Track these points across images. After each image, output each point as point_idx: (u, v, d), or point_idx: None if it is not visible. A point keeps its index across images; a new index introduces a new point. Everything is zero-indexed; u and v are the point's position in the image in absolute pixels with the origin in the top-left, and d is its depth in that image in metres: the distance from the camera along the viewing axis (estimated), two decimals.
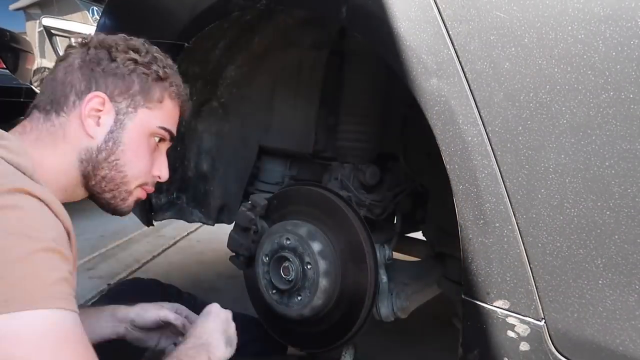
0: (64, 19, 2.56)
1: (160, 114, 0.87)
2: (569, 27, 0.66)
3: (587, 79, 0.65)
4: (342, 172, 1.32)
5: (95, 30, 1.49)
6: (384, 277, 1.22)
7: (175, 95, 0.90)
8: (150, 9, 1.32)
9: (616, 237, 0.65)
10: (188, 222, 1.62)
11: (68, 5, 2.67)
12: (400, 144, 1.37)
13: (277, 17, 1.22)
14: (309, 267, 1.10)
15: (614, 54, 0.63)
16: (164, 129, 0.88)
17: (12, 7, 2.32)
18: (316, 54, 1.37)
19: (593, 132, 0.65)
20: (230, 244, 1.31)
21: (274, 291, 1.17)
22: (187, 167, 1.54)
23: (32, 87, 2.31)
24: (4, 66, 2.18)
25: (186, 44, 1.20)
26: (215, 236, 2.85)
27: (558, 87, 0.67)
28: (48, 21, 2.45)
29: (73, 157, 0.81)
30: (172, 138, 0.91)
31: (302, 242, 1.11)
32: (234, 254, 1.32)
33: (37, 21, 2.42)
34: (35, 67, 2.37)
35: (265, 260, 1.18)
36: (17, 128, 0.81)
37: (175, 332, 1.02)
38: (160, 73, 0.87)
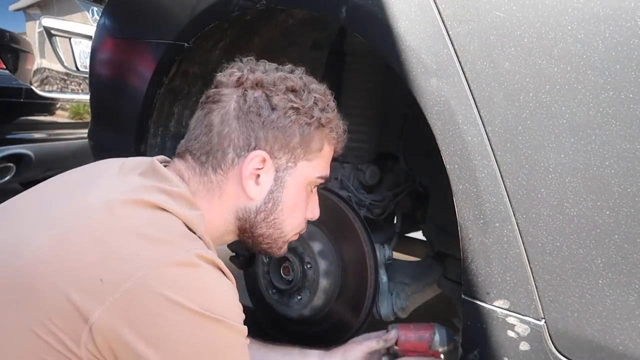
0: (64, 19, 2.56)
1: (318, 163, 0.82)
2: (569, 27, 0.66)
3: (587, 78, 0.65)
4: (342, 172, 1.32)
5: (95, 31, 1.49)
6: (384, 277, 1.21)
7: (335, 140, 0.84)
8: (150, 9, 1.32)
9: (616, 236, 0.65)
10: None
11: (68, 5, 2.67)
12: (400, 143, 1.37)
13: (277, 17, 1.22)
14: (309, 267, 1.10)
15: (614, 53, 0.63)
16: (322, 177, 0.83)
17: (12, 7, 2.30)
18: (316, 54, 1.37)
19: (593, 132, 0.65)
20: (230, 244, 1.31)
21: (274, 291, 1.17)
22: None
23: (32, 87, 2.31)
24: (4, 66, 2.17)
25: (186, 44, 1.20)
26: None
27: (558, 87, 0.67)
28: (48, 21, 2.45)
29: (230, 215, 0.78)
30: (326, 179, 0.87)
31: (302, 242, 1.11)
32: (234, 254, 1.32)
33: (37, 21, 2.40)
34: (35, 67, 2.36)
35: (265, 260, 1.18)
36: (171, 169, 0.75)
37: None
38: (323, 120, 0.79)
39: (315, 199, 0.87)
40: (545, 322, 0.73)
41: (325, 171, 0.84)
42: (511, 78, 0.70)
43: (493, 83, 0.71)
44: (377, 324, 1.27)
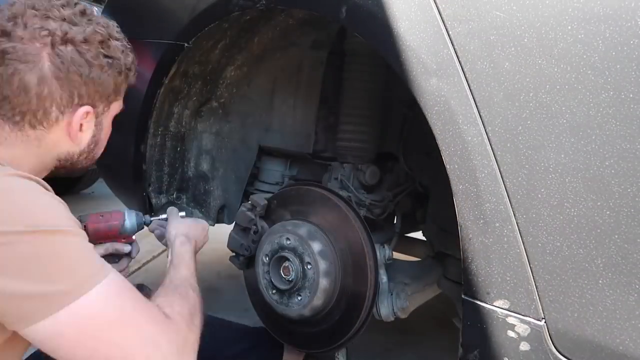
0: None
1: (121, 100, 0.90)
2: (569, 27, 0.66)
3: (587, 78, 0.65)
4: (342, 172, 1.32)
5: None
6: (384, 277, 1.21)
7: (133, 78, 0.90)
8: (150, 9, 1.32)
9: (616, 237, 0.65)
10: None
11: None
12: (400, 143, 1.37)
13: (277, 17, 1.22)
14: (309, 267, 1.10)
15: (614, 53, 0.63)
16: (122, 109, 0.91)
17: None
18: (316, 54, 1.37)
19: (593, 132, 0.65)
20: (230, 244, 1.31)
21: (274, 291, 1.17)
22: (186, 167, 1.54)
23: None
24: None
25: (186, 44, 1.20)
26: (215, 236, 2.84)
27: (558, 87, 0.67)
28: None
29: (49, 158, 0.82)
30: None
31: (302, 242, 1.11)
32: (234, 254, 1.32)
33: None
34: None
35: (265, 260, 1.18)
36: None
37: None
38: (129, 66, 0.86)
39: None
40: (545, 322, 0.73)
41: (121, 103, 0.91)
42: (511, 78, 0.70)
43: (493, 83, 0.71)
44: (377, 324, 1.27)
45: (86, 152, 0.85)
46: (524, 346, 0.74)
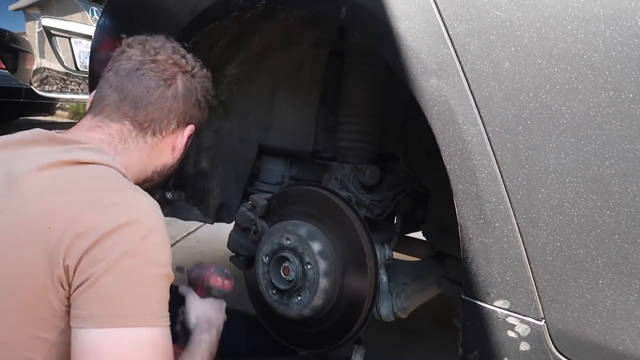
0: (63, 19, 2.56)
1: None
2: (569, 27, 0.66)
3: (587, 78, 0.65)
4: (342, 172, 1.31)
5: (95, 31, 1.49)
6: (384, 277, 1.21)
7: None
8: (150, 9, 1.32)
9: (616, 237, 0.65)
10: (184, 220, 1.63)
11: (68, 5, 2.67)
12: (400, 144, 1.37)
13: (278, 16, 1.22)
14: (309, 267, 1.10)
15: (614, 54, 0.63)
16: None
17: (11, 7, 2.30)
18: (316, 53, 1.37)
19: (593, 132, 0.65)
20: (230, 244, 1.31)
21: (274, 291, 1.17)
22: (185, 164, 1.54)
23: (32, 87, 2.31)
24: (4, 66, 2.17)
25: (186, 44, 1.20)
26: (215, 236, 2.85)
27: (558, 87, 0.67)
28: (48, 21, 2.45)
29: (150, 169, 0.93)
30: None
31: (302, 242, 1.11)
32: (234, 254, 1.32)
33: (37, 21, 2.40)
34: (35, 67, 2.36)
35: (265, 261, 1.17)
36: (100, 131, 0.84)
37: None
38: (210, 101, 1.01)
39: None
40: (545, 322, 0.73)
41: None
42: (511, 78, 0.70)
43: (493, 83, 0.71)
44: (377, 324, 1.27)
45: (173, 166, 0.98)
46: (524, 346, 0.74)
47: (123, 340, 0.66)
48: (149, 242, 0.70)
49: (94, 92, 0.92)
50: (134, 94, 0.87)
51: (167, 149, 0.94)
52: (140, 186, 0.89)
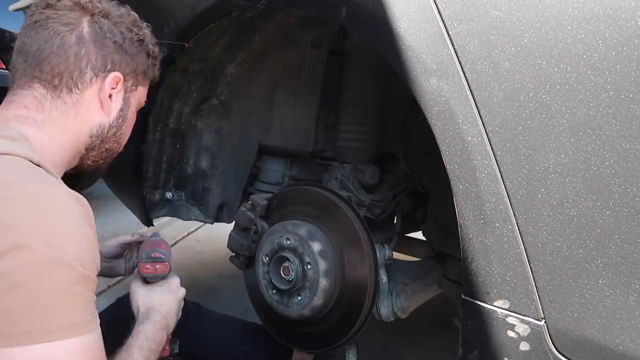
0: None
1: (146, 89, 0.95)
2: (569, 27, 0.66)
3: (587, 78, 0.65)
4: (342, 172, 1.31)
5: None
6: (384, 277, 1.21)
7: (157, 74, 0.96)
8: (150, 9, 1.32)
9: (616, 237, 0.65)
10: (184, 219, 1.63)
11: None
12: (400, 144, 1.37)
13: (278, 16, 1.22)
14: (309, 267, 1.10)
15: (614, 54, 0.63)
16: (146, 101, 0.96)
17: (11, 7, 2.30)
18: (316, 53, 1.37)
19: (593, 132, 0.65)
20: (230, 244, 1.31)
21: (274, 291, 1.17)
22: (185, 164, 1.54)
23: None
24: (4, 66, 2.17)
25: (186, 44, 1.20)
26: (215, 236, 2.85)
27: (558, 87, 0.67)
28: None
29: (83, 133, 0.83)
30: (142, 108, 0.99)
31: (302, 242, 1.11)
32: (234, 254, 1.32)
33: None
34: None
35: (265, 260, 1.17)
36: (15, 105, 0.76)
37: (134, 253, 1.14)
38: (155, 53, 0.92)
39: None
40: (545, 322, 0.73)
41: (146, 95, 0.97)
42: (511, 78, 0.70)
43: (493, 83, 0.71)
44: (377, 324, 1.27)
45: (115, 126, 0.87)
46: (524, 346, 0.74)
47: (33, 357, 0.59)
48: (53, 245, 0.62)
49: None
50: (33, 50, 0.78)
51: (94, 104, 0.83)
52: (88, 158, 0.86)
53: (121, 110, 0.88)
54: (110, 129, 0.87)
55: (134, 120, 0.94)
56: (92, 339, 0.66)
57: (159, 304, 0.95)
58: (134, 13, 0.90)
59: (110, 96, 0.84)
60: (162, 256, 1.01)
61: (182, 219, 1.63)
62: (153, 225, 1.66)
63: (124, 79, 0.86)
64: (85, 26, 0.81)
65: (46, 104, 0.78)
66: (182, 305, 1.03)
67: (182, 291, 1.03)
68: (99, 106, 0.83)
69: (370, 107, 1.30)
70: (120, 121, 0.88)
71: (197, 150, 1.54)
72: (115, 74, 0.83)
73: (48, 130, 0.77)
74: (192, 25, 1.18)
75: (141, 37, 0.88)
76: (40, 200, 0.64)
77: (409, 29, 0.77)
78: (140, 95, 0.93)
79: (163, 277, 1.01)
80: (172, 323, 0.97)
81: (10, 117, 0.75)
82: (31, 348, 0.59)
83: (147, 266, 0.99)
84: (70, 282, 0.63)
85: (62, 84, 0.79)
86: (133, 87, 0.89)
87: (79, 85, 0.80)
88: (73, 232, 0.65)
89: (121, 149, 0.93)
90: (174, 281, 1.02)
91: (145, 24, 0.92)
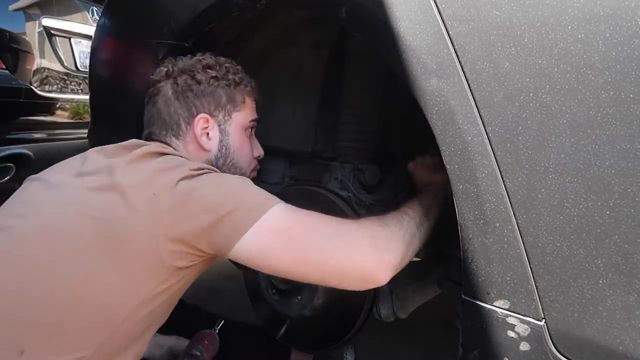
0: (63, 20, 2.56)
1: (246, 110, 1.07)
2: (569, 27, 0.66)
3: (587, 78, 0.65)
4: (342, 172, 1.31)
5: (95, 31, 1.49)
6: None
7: (251, 92, 1.09)
8: (150, 9, 1.32)
9: (616, 237, 0.65)
10: None
11: (68, 5, 2.66)
12: (400, 144, 1.37)
13: (278, 16, 1.22)
14: None
15: (614, 54, 0.63)
16: (252, 120, 1.09)
17: (11, 7, 2.30)
18: (316, 54, 1.37)
19: (593, 132, 0.65)
20: None
21: (274, 291, 1.17)
22: None
23: (32, 87, 2.30)
24: (4, 66, 2.17)
25: (186, 45, 1.20)
26: None
27: (558, 87, 0.67)
28: (48, 21, 2.44)
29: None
30: (258, 121, 1.12)
31: None
32: None
33: (37, 21, 2.40)
34: (35, 67, 2.36)
35: None
36: (146, 156, 0.89)
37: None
38: (237, 79, 1.05)
39: (255, 140, 1.15)
40: (545, 323, 0.73)
41: (253, 115, 1.10)
42: (511, 78, 0.70)
43: (493, 83, 0.71)
44: (377, 324, 1.27)
45: (222, 157, 1.02)
46: (524, 346, 0.74)
47: (273, 220, 0.77)
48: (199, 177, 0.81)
49: None
50: (147, 119, 1.05)
51: (197, 147, 1.00)
52: None
53: (221, 141, 1.02)
54: (217, 160, 1.02)
55: (245, 140, 1.07)
56: (285, 205, 0.82)
57: None
58: (208, 55, 1.06)
59: (207, 134, 1.00)
60: (198, 353, 1.12)
61: None
62: None
63: (212, 115, 1.01)
64: (168, 89, 1.01)
65: (172, 143, 1.00)
66: None
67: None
68: (199, 146, 1.00)
69: (370, 107, 1.30)
70: (224, 151, 1.02)
71: None
72: (200, 116, 1.00)
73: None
74: (192, 25, 1.17)
75: (214, 75, 1.02)
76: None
77: (409, 29, 0.77)
78: (239, 119, 1.05)
79: None
80: None
81: (162, 147, 0.94)
82: (266, 216, 0.77)
83: None
84: (244, 180, 0.85)
85: (168, 134, 1.00)
86: (226, 118, 1.03)
87: (180, 134, 1.00)
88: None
89: (244, 171, 1.07)
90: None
91: (222, 58, 1.07)
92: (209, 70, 1.02)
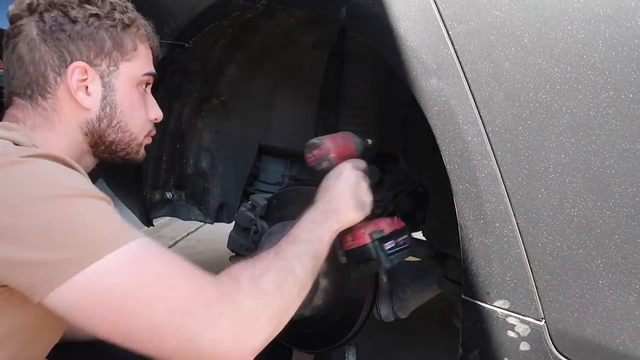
0: None
1: (139, 61, 0.85)
2: (569, 27, 0.66)
3: (587, 78, 0.65)
4: None
5: None
6: (384, 277, 1.21)
7: (145, 37, 0.87)
8: (150, 9, 1.32)
9: (616, 237, 0.65)
10: (184, 219, 1.63)
11: None
12: (400, 144, 1.37)
13: (278, 16, 1.22)
14: None
15: (614, 54, 0.63)
16: (147, 74, 0.86)
17: (11, 7, 2.31)
18: (316, 54, 1.37)
19: (593, 132, 0.65)
20: (230, 244, 1.31)
21: None
22: (185, 164, 1.54)
23: None
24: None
25: (186, 45, 1.20)
26: (215, 236, 2.85)
27: (558, 87, 0.67)
28: None
29: (76, 133, 0.80)
30: (155, 77, 0.89)
31: None
32: (234, 254, 1.32)
33: None
34: None
35: None
36: (6, 121, 0.77)
37: None
38: (126, 20, 0.82)
39: (152, 100, 0.90)
40: (545, 322, 0.73)
41: (149, 68, 0.87)
42: (511, 78, 0.70)
43: (493, 83, 0.71)
44: (377, 324, 1.27)
45: (105, 117, 0.81)
46: (524, 346, 0.74)
47: (91, 281, 0.58)
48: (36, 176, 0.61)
49: None
50: (5, 71, 0.79)
51: (69, 103, 0.78)
52: (99, 154, 0.83)
53: (104, 98, 0.80)
54: (99, 121, 0.81)
55: (137, 98, 0.85)
56: (139, 241, 0.62)
57: (324, 191, 0.90)
58: None
59: (86, 88, 0.79)
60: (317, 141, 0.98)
61: (182, 219, 1.63)
62: (153, 226, 1.66)
63: (91, 64, 0.79)
64: (32, 29, 0.76)
65: (30, 111, 0.77)
66: (361, 177, 0.94)
67: (354, 174, 0.93)
68: (75, 103, 0.78)
69: (370, 107, 1.30)
70: (109, 110, 0.81)
71: (197, 150, 1.54)
72: (75, 64, 0.77)
73: (40, 135, 0.76)
74: (192, 25, 1.18)
75: (94, 12, 0.78)
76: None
77: (409, 29, 0.77)
78: (130, 70, 0.83)
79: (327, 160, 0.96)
80: (340, 204, 0.88)
81: (2, 126, 0.73)
82: (86, 272, 0.57)
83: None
84: (84, 205, 0.62)
85: (34, 93, 0.77)
86: (112, 68, 0.81)
87: (49, 90, 0.77)
88: (55, 173, 0.65)
89: (135, 135, 0.86)
90: (343, 168, 0.94)
91: None
92: (87, 6, 0.78)
